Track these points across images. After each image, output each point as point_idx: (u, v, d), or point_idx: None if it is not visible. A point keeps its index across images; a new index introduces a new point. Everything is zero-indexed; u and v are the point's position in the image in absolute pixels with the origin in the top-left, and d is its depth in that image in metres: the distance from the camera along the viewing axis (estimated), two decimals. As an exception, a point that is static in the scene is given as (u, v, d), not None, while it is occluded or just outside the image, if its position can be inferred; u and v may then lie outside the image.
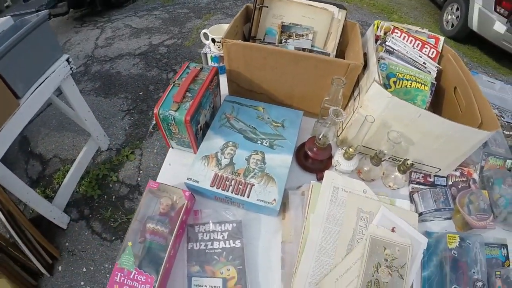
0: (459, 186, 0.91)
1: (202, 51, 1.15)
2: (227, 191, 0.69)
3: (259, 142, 0.78)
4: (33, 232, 1.41)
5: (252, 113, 0.86)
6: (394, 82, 0.82)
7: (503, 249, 0.88)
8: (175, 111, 0.72)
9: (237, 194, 0.68)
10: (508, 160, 1.02)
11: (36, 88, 1.26)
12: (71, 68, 1.45)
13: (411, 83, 0.82)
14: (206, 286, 0.63)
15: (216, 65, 1.12)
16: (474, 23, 3.31)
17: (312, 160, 0.80)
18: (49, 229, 1.58)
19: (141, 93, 2.33)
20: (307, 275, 0.62)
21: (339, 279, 0.63)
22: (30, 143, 1.99)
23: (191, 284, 0.63)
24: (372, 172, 0.79)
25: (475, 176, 0.98)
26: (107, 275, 1.49)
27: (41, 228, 1.47)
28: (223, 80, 0.93)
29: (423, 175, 0.88)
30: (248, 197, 0.68)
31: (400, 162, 0.75)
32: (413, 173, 0.87)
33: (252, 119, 0.84)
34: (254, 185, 0.70)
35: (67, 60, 1.42)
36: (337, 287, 0.62)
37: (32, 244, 1.43)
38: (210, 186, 0.70)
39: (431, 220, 0.83)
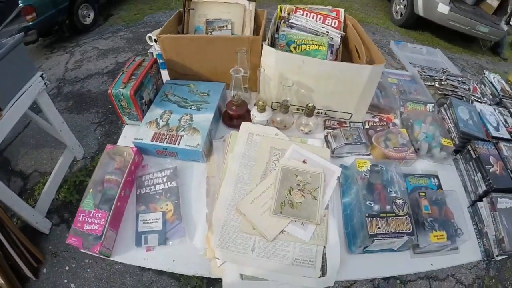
0: (378, 129, 1.10)
1: (149, 51, 1.40)
2: (163, 143, 0.91)
3: (189, 107, 1.02)
4: (18, 235, 1.59)
5: (185, 89, 1.09)
6: (294, 48, 1.05)
7: (433, 178, 1.03)
8: (123, 88, 0.96)
9: (170, 144, 0.91)
10: (429, 104, 1.24)
11: (16, 101, 1.49)
12: (45, 83, 1.69)
13: (309, 46, 1.05)
14: (149, 219, 0.83)
15: (160, 61, 1.37)
16: (420, 8, 3.69)
17: (234, 117, 1.03)
18: (33, 236, 1.74)
19: (110, 106, 2.57)
20: (227, 199, 0.82)
21: (255, 200, 0.81)
22: (10, 163, 2.18)
23: (138, 220, 0.83)
24: (283, 120, 1.01)
25: (397, 121, 1.18)
26: (88, 270, 1.66)
27: (26, 235, 1.63)
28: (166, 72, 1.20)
29: (338, 121, 1.08)
30: (178, 144, 0.91)
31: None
32: (327, 121, 1.08)
33: (185, 93, 1.07)
34: (183, 136, 0.92)
35: (41, 76, 1.66)
36: (254, 207, 0.80)
37: (18, 247, 1.60)
38: (151, 141, 0.92)
39: (347, 156, 1.02)
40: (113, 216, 0.79)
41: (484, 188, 0.98)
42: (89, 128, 2.40)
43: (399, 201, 0.84)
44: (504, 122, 1.22)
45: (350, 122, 1.08)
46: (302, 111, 1.07)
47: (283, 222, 0.78)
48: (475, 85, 1.45)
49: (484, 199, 0.96)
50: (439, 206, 0.90)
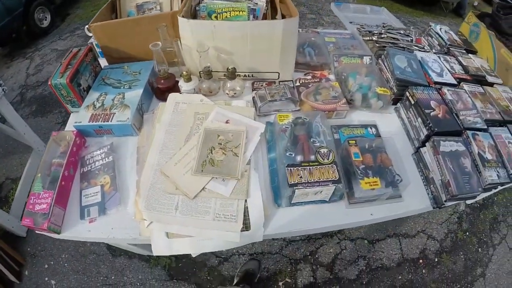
0: (309, 86, 1.18)
1: (89, 42, 1.51)
2: (98, 122, 1.04)
3: (122, 87, 1.14)
4: (-4, 240, 1.73)
5: (120, 71, 1.22)
6: (216, 17, 1.14)
7: (370, 128, 1.08)
8: (60, 78, 1.08)
9: (104, 122, 1.04)
10: (365, 57, 1.34)
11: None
12: (3, 89, 1.80)
13: (229, 13, 1.14)
14: (90, 193, 0.95)
15: (100, 49, 1.48)
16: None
17: (164, 90, 1.15)
18: (11, 241, 1.89)
19: (72, 105, 2.71)
20: (153, 164, 0.93)
21: (178, 163, 0.91)
22: (-19, 176, 2.33)
23: (81, 196, 0.96)
24: (210, 87, 1.13)
25: (331, 77, 1.26)
26: (66, 264, 1.82)
27: (4, 242, 1.78)
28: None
29: (267, 82, 1.18)
30: (111, 121, 1.03)
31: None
32: (256, 83, 1.19)
33: (119, 75, 1.20)
34: (115, 113, 1.05)
35: (-2, 83, 1.78)
36: (177, 169, 0.90)
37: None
38: (88, 122, 1.05)
39: (275, 113, 1.08)
40: (58, 194, 0.91)
41: (425, 132, 1.03)
42: (53, 128, 2.55)
43: (323, 150, 0.90)
44: (450, 69, 1.31)
45: (279, 81, 1.18)
46: (225, 77, 1.16)
47: (204, 180, 0.87)
48: (420, 37, 1.55)
49: (427, 143, 1.01)
50: (374, 153, 0.96)
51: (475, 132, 1.03)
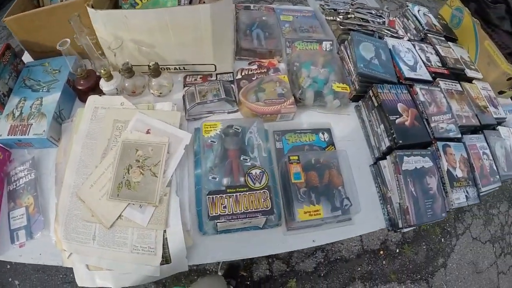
0: (254, 78, 1.03)
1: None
2: (17, 135, 0.97)
3: (41, 90, 1.06)
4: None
5: (41, 69, 1.12)
6: (141, 0, 1.03)
7: (322, 133, 0.95)
8: None
9: (22, 135, 0.97)
10: (325, 42, 1.18)
11: None
12: None
13: None
14: (17, 216, 0.91)
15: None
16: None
17: (87, 91, 1.04)
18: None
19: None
20: (70, 186, 0.85)
21: (94, 184, 0.83)
22: None
23: (9, 218, 0.92)
24: (134, 85, 1.03)
25: (282, 66, 1.10)
26: (26, 264, 1.85)
27: None
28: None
29: (201, 76, 1.05)
30: (28, 135, 0.96)
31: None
32: (188, 76, 1.05)
33: (39, 74, 1.11)
34: (32, 124, 0.98)
35: None
36: (92, 192, 0.82)
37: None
38: (7, 135, 0.98)
39: (209, 115, 0.98)
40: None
41: (388, 143, 0.91)
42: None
43: (255, 171, 0.78)
44: (425, 61, 1.18)
45: (217, 74, 1.06)
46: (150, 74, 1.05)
47: (120, 206, 0.80)
48: (394, 18, 1.39)
49: (388, 157, 0.89)
50: (321, 170, 0.83)
51: (447, 143, 0.94)
